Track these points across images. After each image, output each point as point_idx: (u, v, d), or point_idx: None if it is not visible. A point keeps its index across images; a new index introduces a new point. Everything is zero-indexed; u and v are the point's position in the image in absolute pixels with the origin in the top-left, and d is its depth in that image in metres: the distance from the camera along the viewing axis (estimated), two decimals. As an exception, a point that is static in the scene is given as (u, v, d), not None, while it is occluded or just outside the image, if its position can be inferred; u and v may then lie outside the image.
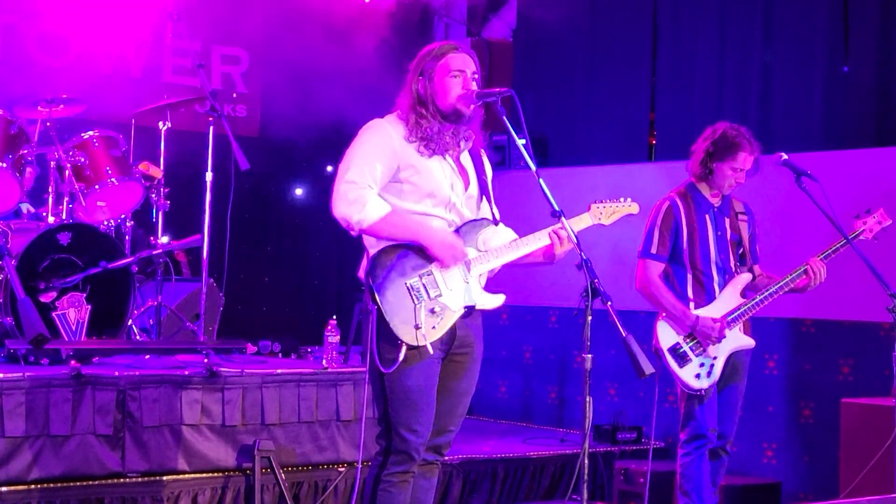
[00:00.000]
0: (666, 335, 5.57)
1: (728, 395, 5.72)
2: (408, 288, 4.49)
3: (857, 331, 7.21)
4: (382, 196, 4.52)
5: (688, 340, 5.55)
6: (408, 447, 4.54)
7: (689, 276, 5.64)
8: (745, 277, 5.69)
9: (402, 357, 4.44)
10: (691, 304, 5.61)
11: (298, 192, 9.12)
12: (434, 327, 4.50)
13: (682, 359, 5.54)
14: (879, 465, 5.91)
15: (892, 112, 7.62)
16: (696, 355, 5.55)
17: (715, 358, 5.56)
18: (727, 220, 5.74)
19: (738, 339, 5.65)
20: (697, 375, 5.54)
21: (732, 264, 5.72)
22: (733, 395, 5.75)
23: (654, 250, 5.63)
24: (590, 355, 4.44)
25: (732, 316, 5.58)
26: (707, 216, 5.68)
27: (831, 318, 7.35)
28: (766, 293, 5.60)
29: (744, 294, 5.66)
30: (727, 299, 5.63)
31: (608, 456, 7.46)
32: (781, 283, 5.57)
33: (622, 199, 4.81)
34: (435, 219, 4.59)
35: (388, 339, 4.46)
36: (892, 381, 5.41)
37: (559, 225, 4.54)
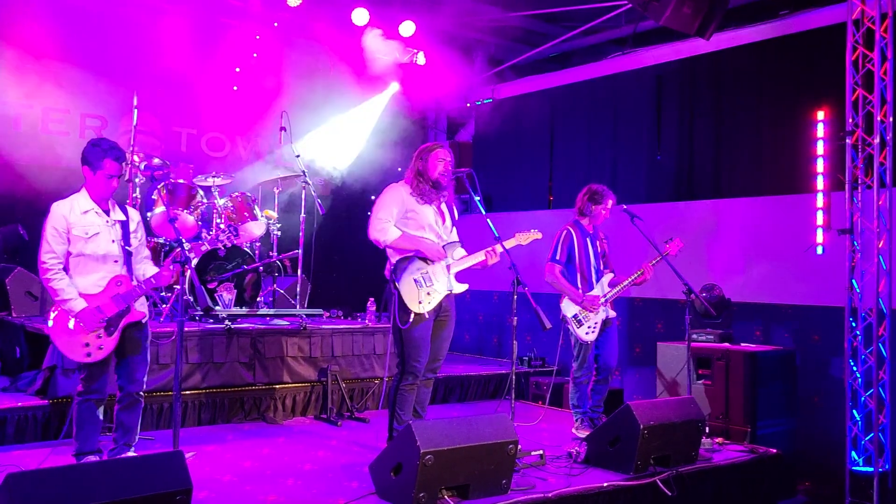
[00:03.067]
0: (569, 308, 5.47)
1: (608, 347, 5.57)
2: (414, 281, 4.49)
3: (666, 304, 7.24)
4: (398, 226, 4.55)
5: (581, 312, 5.47)
6: (414, 370, 4.54)
7: (578, 274, 5.53)
8: (609, 276, 5.63)
9: (411, 319, 4.46)
10: (580, 290, 5.54)
11: (352, 225, 9.04)
12: (429, 303, 4.50)
13: (579, 323, 5.45)
14: (678, 378, 5.91)
15: (683, 182, 7.64)
16: (586, 320, 5.47)
17: (596, 323, 5.48)
18: (598, 241, 5.68)
19: (608, 312, 5.58)
20: (587, 332, 5.45)
21: (602, 267, 5.65)
22: (611, 346, 5.60)
23: (557, 257, 5.54)
24: (516, 317, 4.47)
25: (605, 298, 5.54)
26: (587, 238, 5.61)
27: (652, 297, 7.38)
28: (622, 286, 5.53)
29: (609, 285, 5.60)
30: (601, 288, 5.56)
31: (526, 374, 7.41)
32: (629, 280, 5.50)
33: (532, 230, 4.82)
34: (427, 238, 4.59)
35: (403, 309, 4.47)
36: (685, 333, 5.42)
37: (493, 247, 4.58)
